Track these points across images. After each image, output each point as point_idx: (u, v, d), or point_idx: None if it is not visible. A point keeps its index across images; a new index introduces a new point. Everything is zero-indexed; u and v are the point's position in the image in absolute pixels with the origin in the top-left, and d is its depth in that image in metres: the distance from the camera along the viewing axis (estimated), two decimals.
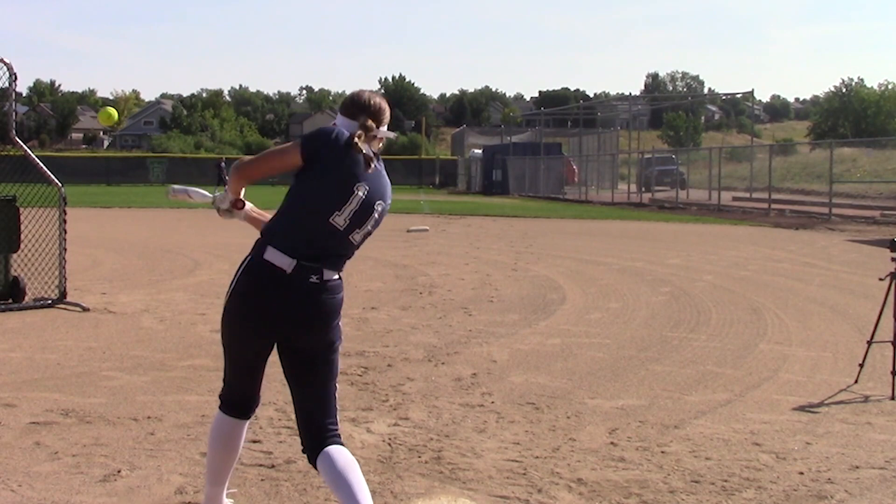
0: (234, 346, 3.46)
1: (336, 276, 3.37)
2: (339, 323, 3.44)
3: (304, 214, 3.30)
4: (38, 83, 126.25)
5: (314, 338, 3.37)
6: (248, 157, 3.49)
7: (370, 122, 3.39)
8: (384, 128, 3.47)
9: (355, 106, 3.44)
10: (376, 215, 3.37)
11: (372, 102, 3.45)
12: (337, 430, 3.43)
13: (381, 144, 3.49)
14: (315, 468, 3.38)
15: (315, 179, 3.28)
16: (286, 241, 3.28)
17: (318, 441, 3.37)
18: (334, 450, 3.33)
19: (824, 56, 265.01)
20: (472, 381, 6.25)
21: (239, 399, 3.56)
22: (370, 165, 3.33)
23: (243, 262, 3.36)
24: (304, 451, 3.42)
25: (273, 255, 3.27)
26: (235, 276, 3.37)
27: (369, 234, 3.41)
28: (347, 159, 3.29)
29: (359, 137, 3.32)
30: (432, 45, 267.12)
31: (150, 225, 22.20)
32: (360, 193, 3.30)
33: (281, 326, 3.34)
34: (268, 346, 3.45)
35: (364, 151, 3.32)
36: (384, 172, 3.44)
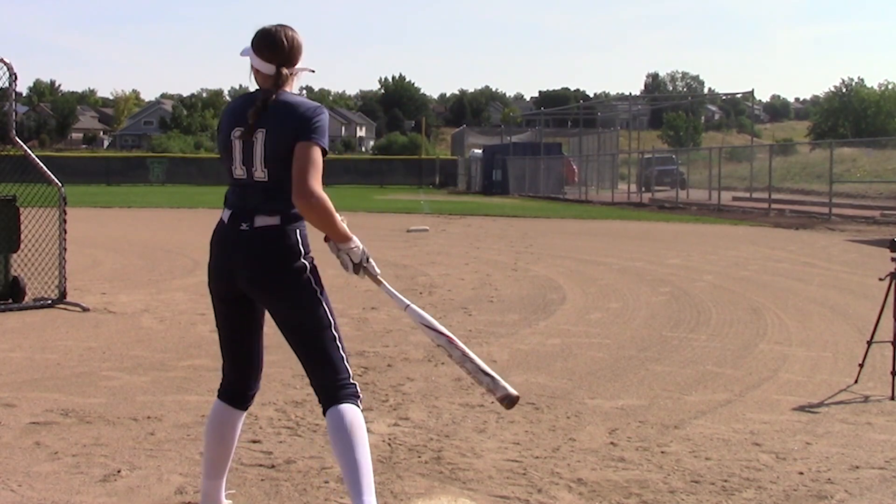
0: (215, 314, 3.57)
1: (275, 221, 3.31)
2: (307, 273, 3.35)
3: (225, 174, 3.46)
4: (38, 83, 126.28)
5: (264, 289, 3.36)
6: (318, 181, 3.26)
7: (284, 70, 3.41)
8: (301, 63, 3.47)
9: (268, 47, 3.42)
10: (260, 145, 3.31)
11: (286, 40, 3.43)
12: (347, 382, 3.37)
13: (296, 79, 3.50)
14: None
15: (217, 145, 3.51)
16: (227, 197, 3.47)
17: (328, 396, 3.36)
18: (342, 409, 3.31)
19: (824, 56, 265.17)
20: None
21: (233, 383, 3.57)
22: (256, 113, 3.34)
23: None
24: (321, 405, 3.43)
25: (223, 213, 3.45)
26: None
27: (269, 158, 3.30)
28: (229, 117, 3.44)
29: (256, 108, 3.33)
30: (432, 45, 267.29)
31: (149, 225, 22.20)
32: (237, 135, 3.37)
33: (228, 278, 3.41)
34: (231, 304, 3.47)
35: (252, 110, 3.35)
36: (282, 98, 3.36)
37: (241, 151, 3.37)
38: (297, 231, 3.36)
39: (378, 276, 3.60)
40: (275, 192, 3.32)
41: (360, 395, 3.43)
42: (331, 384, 3.36)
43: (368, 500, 3.20)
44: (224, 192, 3.53)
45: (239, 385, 3.59)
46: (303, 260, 3.36)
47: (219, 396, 3.61)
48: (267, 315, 3.56)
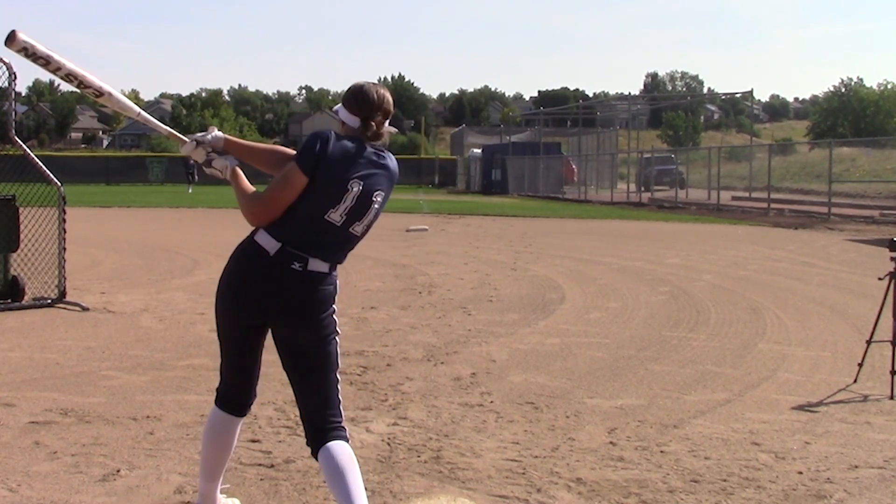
0: (221, 327, 3.50)
1: (325, 268, 3.36)
2: (332, 316, 3.42)
3: (300, 209, 3.31)
4: (37, 83, 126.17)
5: (297, 328, 3.36)
6: (256, 195, 3.38)
7: (376, 122, 3.39)
8: (387, 122, 3.47)
9: (361, 102, 3.41)
10: (376, 206, 3.39)
11: (378, 98, 3.42)
12: (339, 423, 3.42)
13: (386, 138, 3.49)
14: (316, 459, 3.39)
15: (310, 183, 3.29)
16: (278, 228, 3.33)
17: (321, 435, 3.37)
18: (335, 446, 3.34)
19: (824, 56, 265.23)
20: (472, 381, 6.25)
21: (232, 394, 3.58)
22: (369, 160, 3.35)
23: (239, 244, 3.44)
24: (308, 444, 3.43)
25: (262, 238, 3.33)
26: (230, 256, 3.45)
27: (372, 223, 3.43)
28: (343, 160, 3.30)
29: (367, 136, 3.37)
30: (432, 44, 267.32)
31: (149, 224, 22.19)
32: (356, 189, 3.31)
33: (260, 309, 3.36)
34: (252, 329, 3.44)
35: (366, 152, 3.35)
36: (387, 161, 3.42)
37: (354, 202, 3.32)
38: (336, 277, 3.45)
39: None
40: (351, 247, 3.44)
41: (349, 438, 3.47)
42: (324, 424, 3.40)
43: None
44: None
45: (240, 397, 3.61)
46: (334, 305, 3.45)
47: (218, 405, 3.61)
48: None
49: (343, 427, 3.43)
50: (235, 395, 3.59)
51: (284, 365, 3.47)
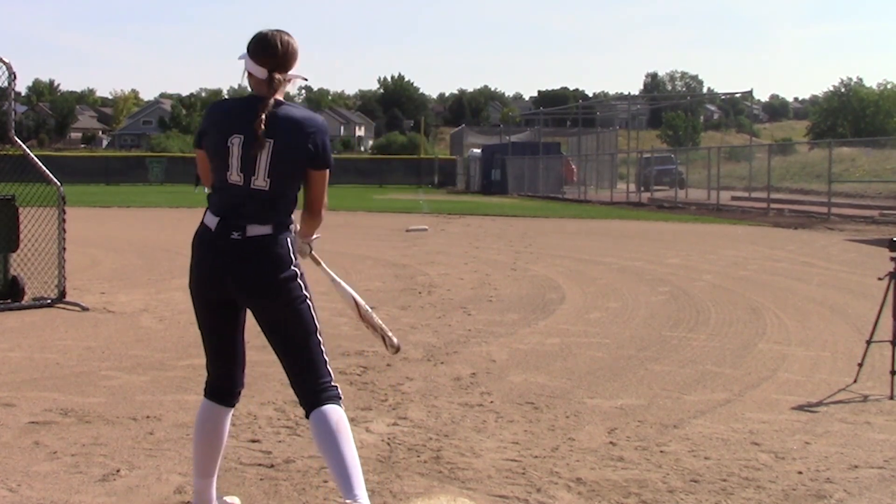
0: (196, 313, 3.58)
1: (267, 230, 3.34)
2: (296, 280, 3.39)
3: (214, 180, 3.45)
4: (37, 82, 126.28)
5: (258, 297, 3.37)
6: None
7: (277, 76, 3.38)
8: (295, 69, 3.45)
9: (263, 50, 3.39)
10: (266, 156, 3.32)
11: (281, 45, 3.40)
12: (328, 384, 3.40)
13: (289, 85, 3.47)
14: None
15: (207, 148, 3.45)
16: (212, 203, 3.45)
17: (312, 399, 3.38)
18: (326, 409, 3.33)
19: (823, 56, 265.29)
20: (472, 381, 6.24)
21: (218, 382, 3.60)
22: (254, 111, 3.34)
23: None
24: (302, 407, 3.44)
25: (206, 217, 3.44)
26: None
27: (283, 174, 3.34)
28: (223, 121, 3.40)
29: (263, 108, 3.33)
30: (431, 44, 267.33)
31: (149, 224, 22.19)
32: (237, 142, 3.33)
33: (216, 285, 3.41)
34: (219, 308, 3.48)
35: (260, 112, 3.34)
36: (286, 111, 3.35)
37: (240, 158, 3.33)
38: (287, 239, 3.40)
39: (319, 260, 3.81)
40: (272, 202, 3.36)
41: (342, 396, 3.46)
42: (314, 387, 3.39)
43: (359, 493, 3.22)
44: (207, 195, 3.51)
45: (225, 383, 3.62)
46: (293, 267, 3.40)
47: (205, 395, 3.64)
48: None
49: (334, 387, 3.42)
50: (221, 383, 3.61)
51: (266, 336, 3.48)
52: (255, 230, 3.33)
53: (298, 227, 3.59)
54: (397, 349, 3.92)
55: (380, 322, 3.90)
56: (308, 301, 3.43)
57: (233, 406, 3.66)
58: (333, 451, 3.26)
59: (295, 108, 3.41)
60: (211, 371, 3.63)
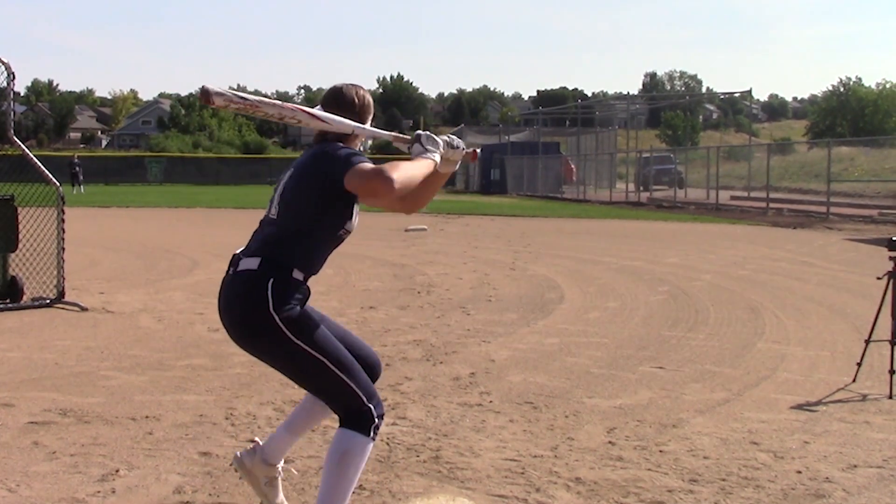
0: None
1: (253, 265, 3.16)
2: (264, 325, 3.14)
3: None
4: (36, 82, 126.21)
5: (235, 339, 3.27)
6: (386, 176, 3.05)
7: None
8: (367, 124, 3.45)
9: (336, 105, 3.39)
10: (282, 184, 3.34)
11: (357, 100, 3.42)
12: (355, 410, 3.29)
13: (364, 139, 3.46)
14: None
15: None
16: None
17: (342, 419, 3.34)
18: (337, 433, 3.32)
19: (822, 55, 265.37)
20: (471, 381, 6.24)
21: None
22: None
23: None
24: None
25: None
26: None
27: (289, 200, 3.27)
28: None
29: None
30: (430, 44, 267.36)
31: (148, 224, 22.18)
32: (279, 187, 3.36)
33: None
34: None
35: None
36: (312, 152, 3.34)
37: (274, 189, 3.37)
38: (271, 281, 3.14)
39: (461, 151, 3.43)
40: (276, 234, 3.23)
41: (376, 422, 3.30)
42: (344, 411, 3.31)
43: None
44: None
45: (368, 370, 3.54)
46: (271, 312, 3.13)
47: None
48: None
49: (359, 413, 3.25)
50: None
51: None
52: (244, 264, 3.19)
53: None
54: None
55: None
56: (299, 347, 3.18)
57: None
58: (325, 476, 3.29)
59: (332, 146, 3.30)
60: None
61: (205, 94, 2.94)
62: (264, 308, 3.12)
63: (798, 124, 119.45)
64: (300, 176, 3.27)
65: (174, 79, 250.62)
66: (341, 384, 3.27)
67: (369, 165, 3.11)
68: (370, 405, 3.29)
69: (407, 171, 3.06)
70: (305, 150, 3.43)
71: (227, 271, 3.29)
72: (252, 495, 4.03)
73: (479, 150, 3.55)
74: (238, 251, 3.31)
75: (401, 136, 3.45)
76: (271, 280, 3.15)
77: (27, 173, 9.34)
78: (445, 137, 3.39)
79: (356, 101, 3.42)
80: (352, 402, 3.28)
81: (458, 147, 3.38)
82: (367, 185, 3.04)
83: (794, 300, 10.11)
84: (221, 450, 4.59)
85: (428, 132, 3.36)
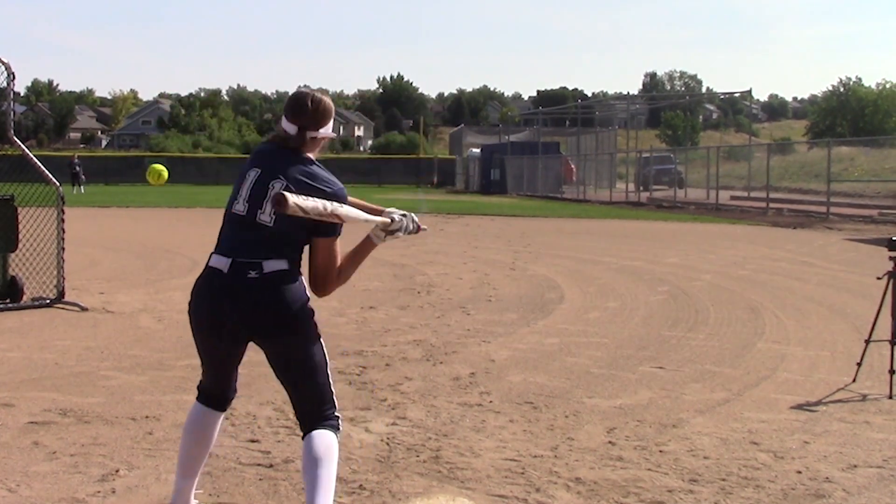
0: (201, 351, 3.51)
1: (283, 266, 3.30)
2: (310, 317, 3.38)
3: (225, 214, 3.44)
4: (36, 82, 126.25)
5: (276, 333, 3.35)
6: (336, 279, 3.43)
7: (308, 133, 3.39)
8: (326, 129, 3.44)
9: (293, 109, 3.40)
10: (273, 192, 3.31)
11: (312, 103, 3.41)
12: (330, 413, 3.43)
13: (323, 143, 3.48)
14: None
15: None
16: (221, 244, 3.38)
17: (310, 424, 3.41)
18: (318, 435, 3.36)
19: (822, 55, 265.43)
20: (471, 381, 6.24)
21: (212, 389, 3.59)
22: (273, 152, 3.40)
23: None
24: (300, 429, 3.47)
25: (215, 260, 3.36)
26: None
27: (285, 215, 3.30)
28: (255, 157, 3.45)
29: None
30: (430, 44, 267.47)
31: (148, 224, 22.18)
32: (252, 175, 3.36)
33: (234, 328, 3.34)
34: (233, 348, 3.45)
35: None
36: (297, 158, 3.38)
37: (250, 189, 3.35)
38: (301, 278, 3.39)
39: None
40: (280, 238, 3.32)
41: (340, 427, 3.48)
42: (316, 414, 3.42)
43: None
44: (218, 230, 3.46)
45: (221, 392, 3.62)
46: (309, 305, 3.39)
47: (199, 399, 3.63)
48: None
49: (335, 416, 3.44)
50: (216, 391, 3.60)
51: (276, 372, 3.48)
52: (272, 266, 3.29)
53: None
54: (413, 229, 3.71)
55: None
56: (320, 339, 3.44)
57: (224, 411, 3.67)
58: (312, 477, 3.30)
59: (317, 168, 3.40)
60: (208, 382, 3.61)
61: (279, 202, 3.08)
62: (305, 301, 3.37)
63: (798, 124, 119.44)
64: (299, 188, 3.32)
65: (174, 79, 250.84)
66: (330, 384, 3.47)
67: (339, 252, 3.42)
68: (337, 410, 3.51)
69: (351, 271, 3.49)
70: (269, 148, 3.44)
71: (240, 276, 3.28)
72: (252, 495, 4.04)
73: (422, 228, 3.74)
74: (230, 261, 3.30)
75: (383, 221, 3.53)
76: (301, 277, 3.38)
77: (27, 173, 9.34)
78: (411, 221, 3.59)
79: (310, 105, 3.41)
80: (332, 400, 3.46)
81: (414, 230, 3.64)
82: (325, 265, 3.38)
83: (794, 300, 10.11)
84: (221, 450, 4.58)
85: (414, 218, 3.62)
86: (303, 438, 3.41)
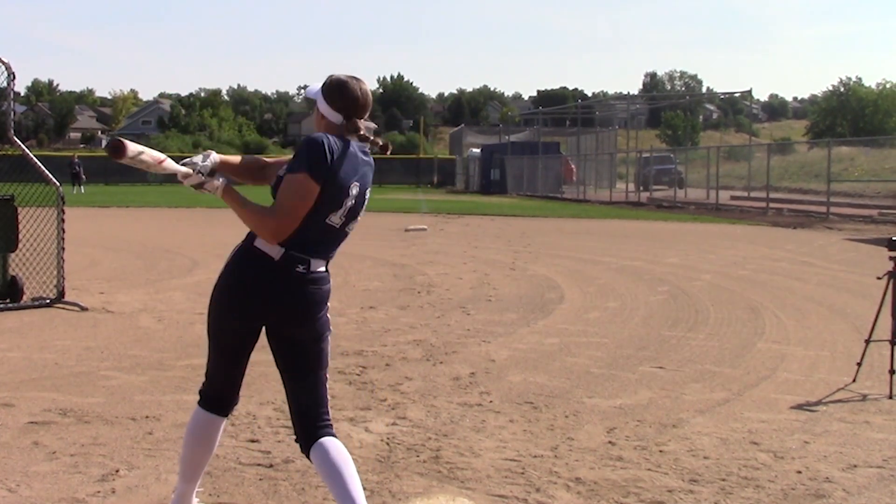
0: (219, 331, 3.44)
1: (323, 268, 3.38)
2: (327, 314, 3.45)
3: (310, 215, 3.30)
4: (36, 82, 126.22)
5: (299, 328, 3.38)
6: (270, 210, 3.23)
7: (359, 122, 3.35)
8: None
9: (344, 99, 3.35)
10: (366, 202, 3.43)
11: (361, 95, 3.38)
12: (329, 420, 3.44)
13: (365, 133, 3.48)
14: (308, 458, 3.39)
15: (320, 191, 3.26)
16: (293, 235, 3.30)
17: (312, 432, 3.39)
18: (328, 442, 3.35)
19: (823, 55, 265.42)
20: (471, 381, 6.24)
21: (218, 394, 3.55)
22: (361, 160, 3.37)
23: (235, 249, 3.39)
24: (297, 441, 3.44)
25: (262, 243, 3.29)
26: (227, 261, 3.39)
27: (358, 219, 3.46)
28: (345, 165, 3.29)
29: (362, 138, 3.36)
30: (431, 44, 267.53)
31: (148, 224, 22.18)
32: (355, 192, 3.33)
33: (265, 313, 3.35)
34: (252, 333, 3.43)
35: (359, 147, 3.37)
36: (370, 158, 3.45)
37: (353, 202, 3.35)
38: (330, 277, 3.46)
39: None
40: (340, 244, 3.44)
41: (336, 434, 3.49)
42: (317, 418, 3.41)
43: None
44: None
45: (227, 397, 3.58)
46: (328, 303, 3.47)
47: (203, 406, 3.56)
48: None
49: (331, 424, 3.45)
50: (223, 395, 3.56)
51: (279, 363, 3.47)
52: (317, 266, 3.35)
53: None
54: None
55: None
56: (329, 336, 3.48)
57: (227, 415, 3.64)
58: (342, 486, 3.28)
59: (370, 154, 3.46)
60: (217, 384, 3.55)
61: (118, 149, 3.13)
62: (328, 299, 3.46)
63: (798, 124, 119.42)
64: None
65: (174, 79, 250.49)
66: (327, 389, 3.50)
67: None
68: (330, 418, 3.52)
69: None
70: (359, 154, 3.39)
71: (289, 269, 3.28)
72: (252, 495, 4.04)
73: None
74: (283, 250, 3.28)
75: (173, 166, 3.44)
76: (330, 279, 3.46)
77: (27, 173, 9.34)
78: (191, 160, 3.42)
79: (359, 99, 3.38)
80: (327, 408, 3.47)
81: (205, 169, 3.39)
82: (283, 197, 3.28)
83: (794, 300, 10.12)
84: (221, 450, 4.58)
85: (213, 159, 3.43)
86: (305, 450, 3.38)
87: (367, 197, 3.42)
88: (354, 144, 3.36)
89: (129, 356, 6.91)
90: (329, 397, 3.49)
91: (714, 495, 4.11)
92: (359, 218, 3.43)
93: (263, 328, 3.43)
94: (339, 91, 3.36)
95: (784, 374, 6.53)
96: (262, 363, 5.81)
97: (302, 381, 3.43)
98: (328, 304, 3.45)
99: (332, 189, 3.26)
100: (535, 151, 45.18)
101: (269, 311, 3.34)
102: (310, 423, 3.40)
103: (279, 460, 4.49)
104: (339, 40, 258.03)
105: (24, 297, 9.08)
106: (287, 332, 3.41)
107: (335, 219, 3.31)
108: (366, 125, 3.42)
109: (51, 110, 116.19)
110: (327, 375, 3.49)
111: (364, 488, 4.07)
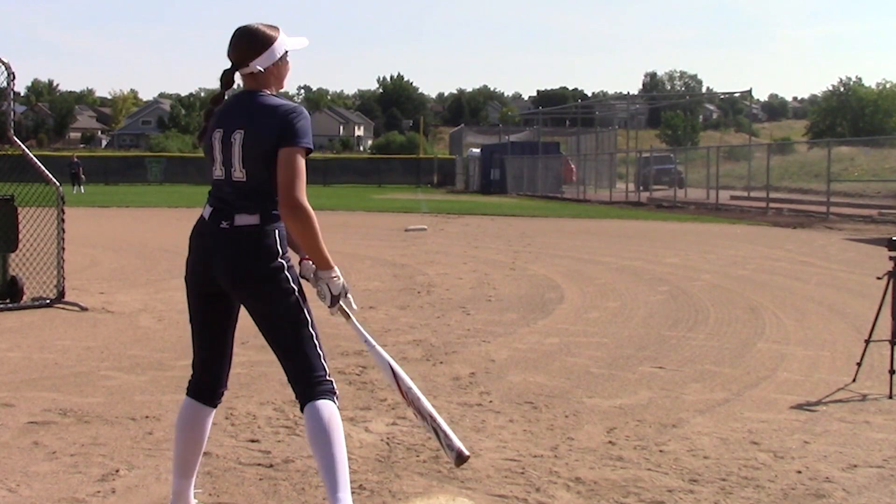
0: (189, 309, 3.57)
1: (254, 220, 3.32)
2: (283, 271, 3.34)
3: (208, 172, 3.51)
4: (36, 82, 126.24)
5: (241, 286, 3.37)
6: (303, 191, 3.26)
7: (245, 68, 3.43)
8: (262, 57, 3.43)
9: (230, 45, 3.49)
10: (237, 145, 3.35)
11: (239, 36, 3.47)
12: (323, 380, 3.38)
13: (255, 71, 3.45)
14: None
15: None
16: (209, 193, 3.49)
17: (307, 393, 3.37)
18: (319, 405, 3.33)
19: (823, 55, 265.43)
20: (471, 381, 6.24)
21: (203, 380, 3.59)
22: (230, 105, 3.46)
23: None
24: (297, 400, 3.44)
25: (204, 209, 3.48)
26: None
27: (250, 162, 3.33)
28: (215, 119, 3.47)
29: (214, 102, 3.51)
30: (430, 44, 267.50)
31: (148, 224, 22.19)
32: (217, 138, 3.41)
33: (205, 274, 3.42)
34: (208, 304, 3.48)
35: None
36: (263, 105, 3.38)
37: (221, 152, 3.40)
38: (276, 231, 3.36)
39: (352, 314, 3.57)
40: (253, 193, 3.35)
41: (337, 392, 3.43)
42: (307, 380, 3.38)
43: (344, 496, 3.24)
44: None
45: (210, 381, 3.61)
46: (280, 259, 3.36)
47: (188, 394, 3.62)
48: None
49: (329, 381, 3.40)
50: (206, 381, 3.59)
51: (262, 335, 3.47)
52: (242, 220, 3.33)
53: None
54: (459, 457, 3.44)
55: (430, 409, 3.55)
56: (296, 294, 3.38)
57: (215, 406, 3.65)
58: (323, 450, 3.27)
59: (271, 97, 3.42)
60: (197, 368, 3.62)
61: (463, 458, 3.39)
62: (275, 253, 3.35)
63: (798, 124, 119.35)
64: (257, 134, 3.33)
65: (174, 79, 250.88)
66: (315, 346, 3.41)
67: (304, 165, 3.31)
68: (330, 375, 3.44)
69: (311, 226, 3.27)
70: (235, 101, 3.47)
71: (214, 225, 3.38)
72: (252, 495, 4.04)
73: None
74: (211, 209, 3.41)
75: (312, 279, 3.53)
76: (276, 230, 3.36)
77: (27, 173, 9.34)
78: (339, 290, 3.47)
79: (236, 38, 3.47)
80: (320, 367, 3.40)
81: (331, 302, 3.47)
82: (288, 177, 3.25)
83: (794, 300, 10.12)
84: (221, 450, 4.59)
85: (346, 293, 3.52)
86: (301, 410, 3.38)
87: (234, 140, 3.35)
88: (243, 93, 3.46)
89: (129, 356, 6.91)
90: (322, 353, 3.42)
91: (714, 495, 4.11)
92: (237, 163, 3.35)
93: (230, 304, 3.48)
94: (229, 43, 3.51)
95: (784, 374, 6.53)
96: (262, 363, 5.81)
97: (278, 343, 3.41)
98: (281, 261, 3.35)
99: (205, 143, 3.52)
100: (535, 151, 45.19)
101: (207, 269, 3.40)
102: (301, 382, 3.39)
103: (279, 460, 4.49)
104: (339, 40, 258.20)
105: (25, 297, 9.08)
106: (239, 295, 3.42)
107: (217, 171, 3.43)
108: (252, 66, 3.47)
109: (51, 110, 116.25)
110: (313, 332, 3.40)
111: (364, 488, 4.09)
